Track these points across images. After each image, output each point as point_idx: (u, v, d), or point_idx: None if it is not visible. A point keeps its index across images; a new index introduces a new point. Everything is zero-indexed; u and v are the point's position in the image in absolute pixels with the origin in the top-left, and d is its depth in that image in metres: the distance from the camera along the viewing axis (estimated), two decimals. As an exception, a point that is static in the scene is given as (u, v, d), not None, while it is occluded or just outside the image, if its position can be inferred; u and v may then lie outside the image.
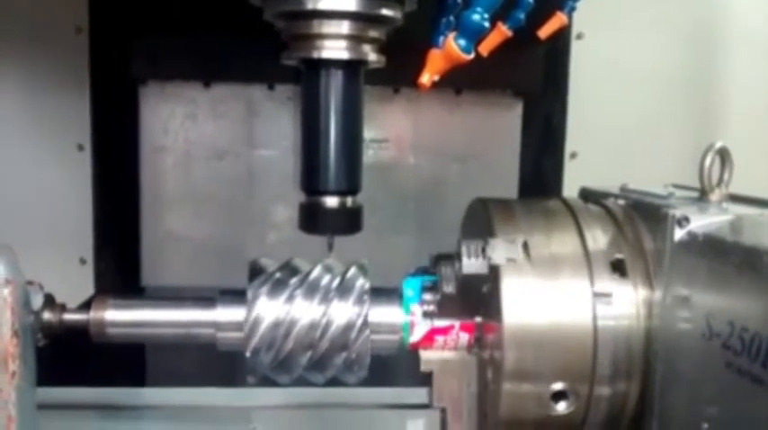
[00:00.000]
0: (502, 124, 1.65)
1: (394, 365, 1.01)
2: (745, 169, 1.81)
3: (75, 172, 1.61)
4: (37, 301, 0.87)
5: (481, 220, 0.90)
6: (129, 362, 1.51)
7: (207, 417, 1.16)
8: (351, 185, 0.93)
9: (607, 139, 1.68)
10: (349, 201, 0.93)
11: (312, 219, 0.94)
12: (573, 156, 1.68)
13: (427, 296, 0.90)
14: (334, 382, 0.96)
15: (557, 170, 1.67)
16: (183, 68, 1.56)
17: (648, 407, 0.79)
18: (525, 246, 0.82)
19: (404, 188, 1.64)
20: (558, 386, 0.79)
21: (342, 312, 0.88)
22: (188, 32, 1.51)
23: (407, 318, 0.89)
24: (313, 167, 0.92)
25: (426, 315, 0.89)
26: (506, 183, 1.65)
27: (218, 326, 0.89)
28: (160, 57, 1.54)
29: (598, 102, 1.67)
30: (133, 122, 1.60)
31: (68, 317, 0.89)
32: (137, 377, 1.56)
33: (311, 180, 0.92)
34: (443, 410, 0.91)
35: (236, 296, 0.89)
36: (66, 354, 1.14)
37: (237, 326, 0.88)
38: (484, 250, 0.82)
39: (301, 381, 0.95)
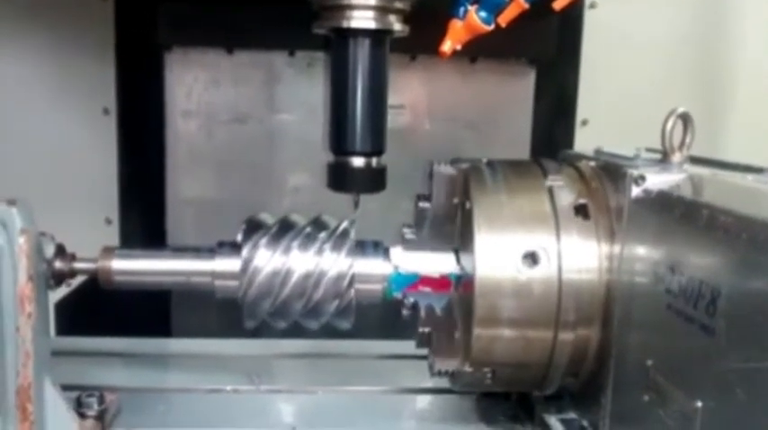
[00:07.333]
0: (515, 92, 1.67)
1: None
2: (754, 135, 1.84)
3: (100, 135, 1.65)
4: (49, 251, 0.92)
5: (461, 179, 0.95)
6: (155, 315, 1.58)
7: (227, 366, 1.20)
8: (376, 146, 0.99)
9: (618, 107, 1.71)
10: (374, 161, 0.99)
11: (340, 177, 0.99)
12: (584, 123, 1.71)
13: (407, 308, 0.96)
14: (354, 333, 1.02)
15: (568, 137, 1.70)
16: (206, 35, 1.58)
17: (607, 349, 0.85)
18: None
19: (419, 152, 1.67)
20: (524, 332, 0.86)
21: (334, 263, 0.94)
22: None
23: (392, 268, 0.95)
24: (341, 130, 0.97)
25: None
26: (519, 150, 1.67)
27: (215, 274, 0.95)
28: (184, 23, 1.56)
29: (610, 70, 1.70)
30: (157, 87, 1.62)
31: (78, 265, 0.94)
32: (163, 330, 1.62)
33: (340, 141, 0.98)
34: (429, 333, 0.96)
35: (233, 247, 0.95)
36: (97, 308, 1.21)
37: (233, 275, 0.94)
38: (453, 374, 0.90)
39: (325, 332, 1.01)
